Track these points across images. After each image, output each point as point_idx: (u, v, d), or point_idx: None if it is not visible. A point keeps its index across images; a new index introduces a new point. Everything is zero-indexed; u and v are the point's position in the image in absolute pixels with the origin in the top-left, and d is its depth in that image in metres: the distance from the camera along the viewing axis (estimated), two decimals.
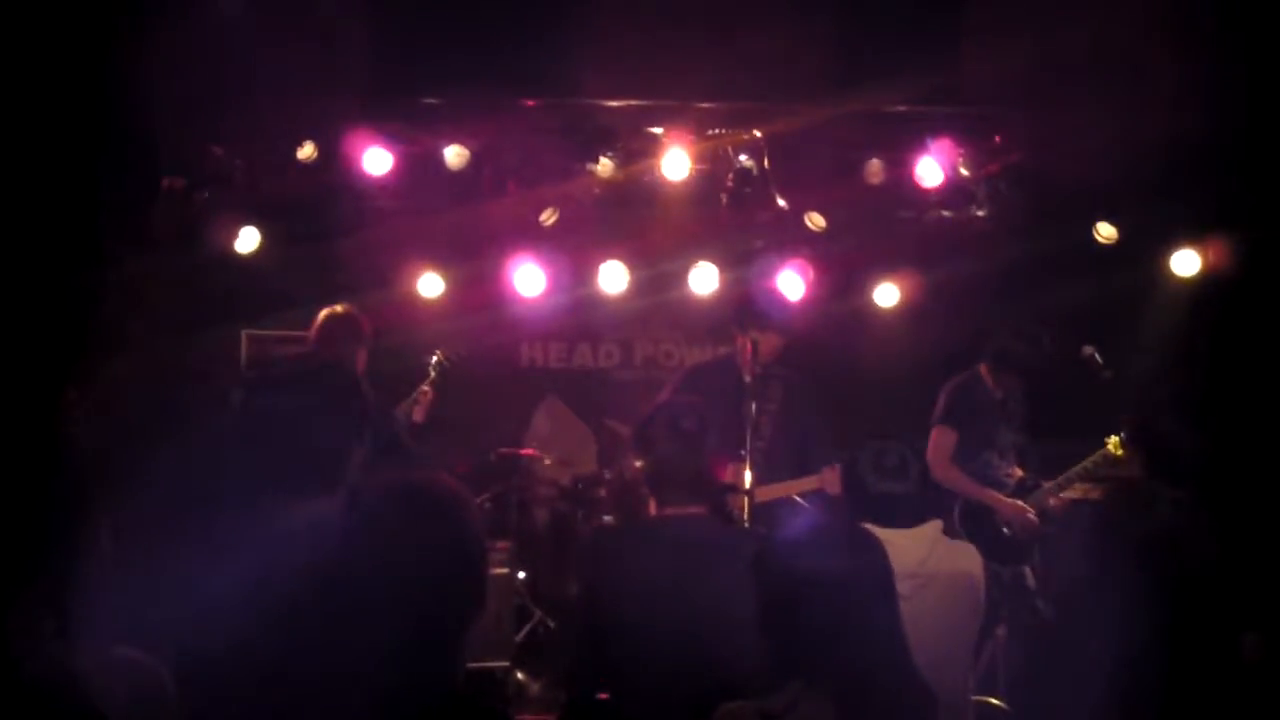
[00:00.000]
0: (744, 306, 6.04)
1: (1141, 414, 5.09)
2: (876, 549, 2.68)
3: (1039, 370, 6.18)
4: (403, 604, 2.55)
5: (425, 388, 6.53)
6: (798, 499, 5.81)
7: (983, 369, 6.30)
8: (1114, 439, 5.93)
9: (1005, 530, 6.04)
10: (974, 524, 6.01)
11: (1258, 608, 3.50)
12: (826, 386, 6.59)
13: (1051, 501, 6.07)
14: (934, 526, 3.63)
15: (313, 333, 5.93)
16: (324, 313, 5.94)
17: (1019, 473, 6.27)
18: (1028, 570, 6.07)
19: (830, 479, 5.63)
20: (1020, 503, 6.07)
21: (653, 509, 3.70)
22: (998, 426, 6.23)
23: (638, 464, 3.75)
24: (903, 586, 2.78)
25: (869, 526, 3.44)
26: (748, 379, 5.50)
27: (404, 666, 2.59)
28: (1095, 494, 6.06)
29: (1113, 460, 5.92)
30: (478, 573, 2.65)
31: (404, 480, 2.69)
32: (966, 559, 3.74)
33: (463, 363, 6.84)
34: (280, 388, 3.34)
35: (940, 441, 6.12)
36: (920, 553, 3.45)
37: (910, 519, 3.54)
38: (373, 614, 2.58)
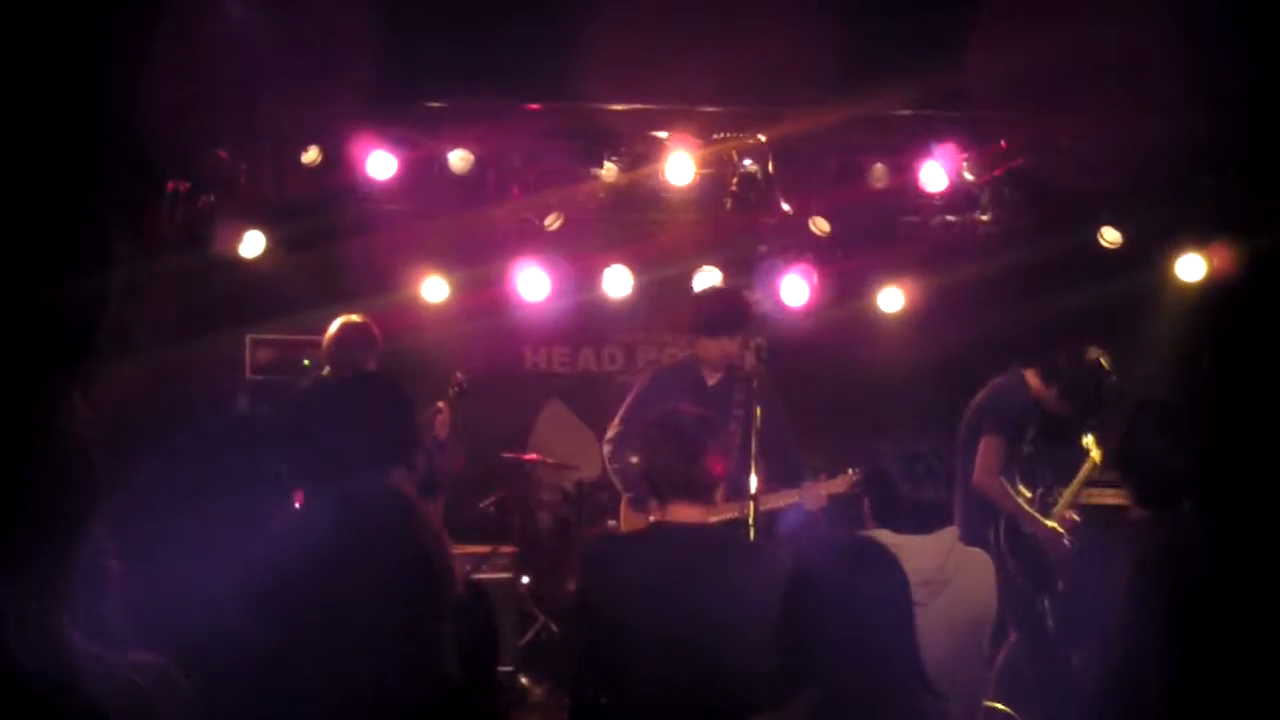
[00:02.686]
0: (708, 314, 5.89)
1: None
2: (894, 567, 2.65)
3: (1082, 403, 5.89)
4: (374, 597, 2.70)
5: (440, 405, 6.48)
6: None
7: (1028, 374, 5.99)
8: (1088, 438, 5.85)
9: (1044, 555, 5.75)
10: (1016, 543, 5.76)
11: (1259, 615, 3.49)
12: (830, 391, 6.56)
13: (1065, 518, 5.87)
14: (950, 533, 3.62)
15: (326, 340, 5.93)
16: (338, 321, 5.94)
17: (1025, 491, 6.07)
18: (1046, 600, 5.80)
19: (812, 494, 5.48)
20: (1056, 527, 5.80)
21: (653, 513, 3.68)
22: (1023, 439, 6.02)
23: (633, 461, 3.73)
24: (918, 593, 2.77)
25: (888, 534, 3.45)
26: (710, 383, 5.55)
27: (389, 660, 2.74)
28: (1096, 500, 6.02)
29: (1097, 464, 5.81)
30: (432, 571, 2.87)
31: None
32: (980, 566, 3.73)
33: (480, 384, 6.79)
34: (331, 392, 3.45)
35: (990, 450, 5.82)
36: (937, 559, 3.44)
37: (937, 525, 3.52)
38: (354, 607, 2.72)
